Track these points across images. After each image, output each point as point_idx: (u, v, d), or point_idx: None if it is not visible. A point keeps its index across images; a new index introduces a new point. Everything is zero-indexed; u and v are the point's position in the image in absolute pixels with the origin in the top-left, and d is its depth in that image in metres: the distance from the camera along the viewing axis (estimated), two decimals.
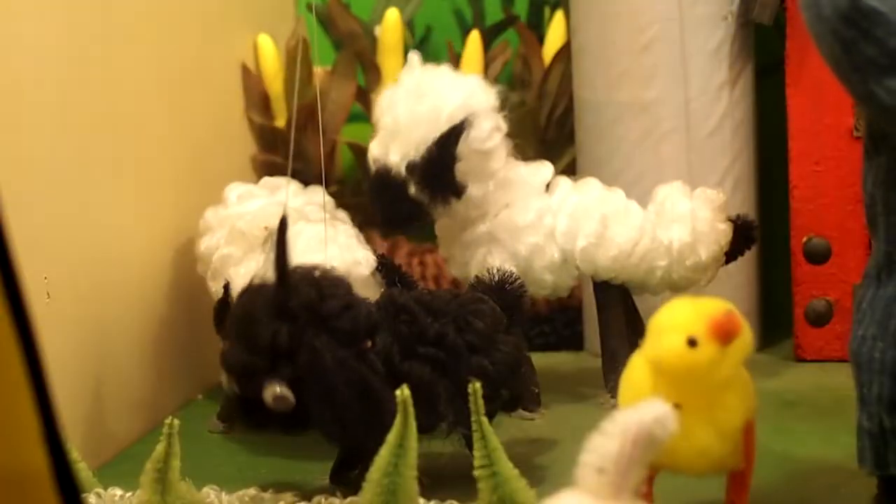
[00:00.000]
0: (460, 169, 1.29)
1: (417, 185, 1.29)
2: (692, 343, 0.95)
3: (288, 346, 1.06)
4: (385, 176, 1.30)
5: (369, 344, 1.09)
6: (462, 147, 1.28)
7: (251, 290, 1.09)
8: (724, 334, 0.95)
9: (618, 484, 0.76)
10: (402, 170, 1.29)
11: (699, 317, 0.95)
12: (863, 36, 0.92)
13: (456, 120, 1.29)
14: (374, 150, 1.32)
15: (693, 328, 0.95)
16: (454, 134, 1.28)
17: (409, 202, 1.30)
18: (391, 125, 1.30)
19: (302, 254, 1.27)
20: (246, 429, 1.10)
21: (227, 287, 1.23)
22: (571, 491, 0.78)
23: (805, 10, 0.96)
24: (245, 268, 1.28)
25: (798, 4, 0.98)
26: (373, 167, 1.32)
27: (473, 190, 1.31)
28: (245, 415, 1.09)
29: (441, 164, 1.28)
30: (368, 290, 1.26)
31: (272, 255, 1.07)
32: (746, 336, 0.97)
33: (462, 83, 1.32)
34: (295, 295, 1.07)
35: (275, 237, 1.07)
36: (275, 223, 1.08)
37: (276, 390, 1.06)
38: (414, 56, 1.34)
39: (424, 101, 1.30)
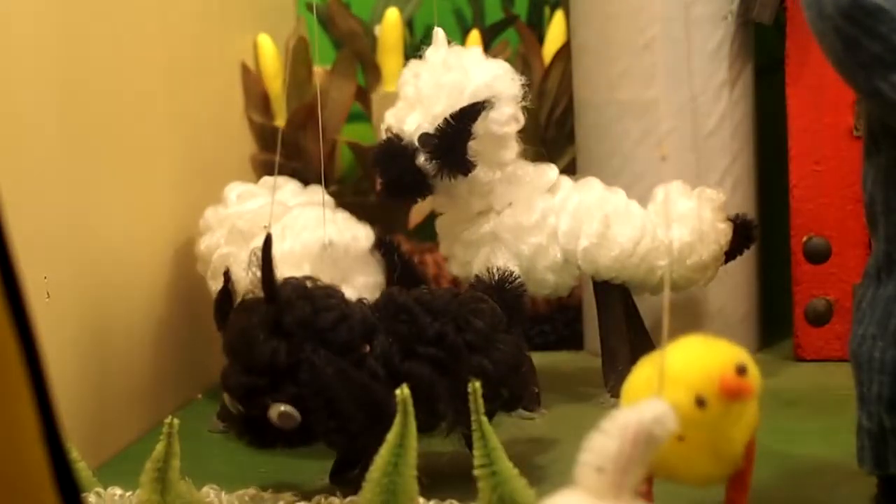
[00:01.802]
0: (472, 147, 1.28)
1: (427, 154, 1.28)
2: (700, 403, 0.93)
3: (287, 363, 1.06)
4: (395, 143, 1.29)
5: (367, 348, 1.09)
6: (479, 126, 1.28)
7: (244, 308, 1.09)
8: (735, 395, 0.93)
9: (617, 483, 0.76)
10: (415, 139, 1.28)
11: (710, 373, 0.93)
12: (866, 33, 0.92)
13: (479, 97, 1.28)
14: (389, 119, 1.31)
15: (702, 386, 0.93)
16: (474, 110, 1.27)
17: (415, 171, 1.29)
18: (412, 95, 1.29)
19: (301, 231, 1.27)
20: (253, 447, 1.10)
21: (227, 275, 1.23)
22: (571, 490, 0.78)
23: (807, 8, 0.96)
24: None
25: (799, 3, 0.98)
26: (384, 135, 1.31)
27: (481, 173, 1.30)
28: (251, 434, 1.08)
29: (455, 136, 1.27)
30: (368, 266, 1.26)
31: (259, 273, 1.07)
32: (757, 389, 0.95)
33: (490, 65, 1.32)
34: (289, 311, 1.07)
35: (260, 255, 1.07)
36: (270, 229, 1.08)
37: (280, 409, 1.06)
38: (439, 31, 1.33)
39: (450, 74, 1.29)
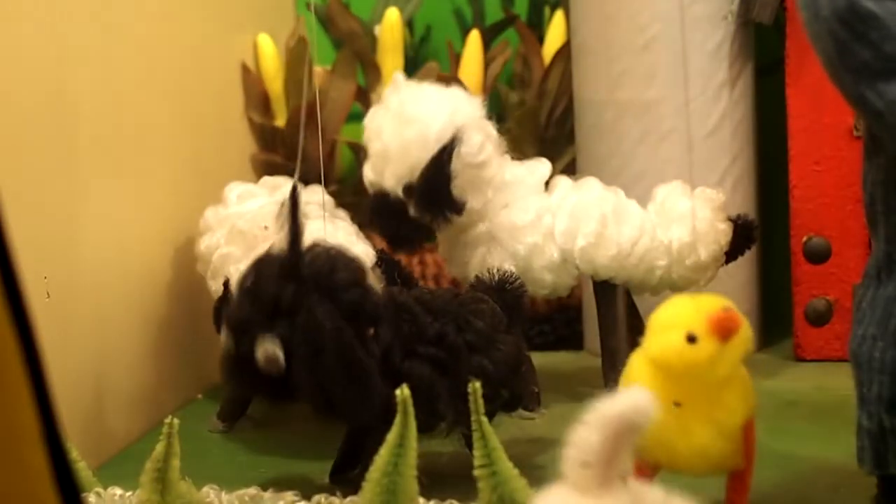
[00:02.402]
0: (457, 185, 1.30)
1: (416, 208, 1.30)
2: (691, 339, 0.95)
3: (289, 305, 1.07)
4: (384, 200, 1.31)
5: (371, 332, 1.10)
6: (455, 164, 1.29)
7: (266, 255, 1.10)
8: (724, 330, 0.95)
9: (603, 475, 0.76)
10: (399, 192, 1.30)
11: (698, 313, 0.96)
12: (858, 38, 0.93)
13: (444, 139, 1.29)
14: (370, 175, 1.32)
15: (692, 325, 0.95)
16: (445, 154, 1.28)
17: (412, 223, 1.31)
18: (381, 151, 1.31)
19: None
20: (234, 389, 1.11)
21: (226, 284, 1.23)
22: (558, 486, 0.78)
23: (803, 8, 0.96)
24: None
25: (797, 3, 0.98)
26: (370, 190, 1.33)
27: (473, 202, 1.32)
28: (236, 374, 1.09)
29: (437, 185, 1.29)
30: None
31: (285, 224, 1.09)
32: (746, 332, 0.97)
33: (445, 99, 1.32)
34: (309, 263, 1.08)
35: (287, 205, 1.08)
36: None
37: (267, 349, 1.06)
38: (398, 76, 1.34)
39: (411, 125, 1.30)
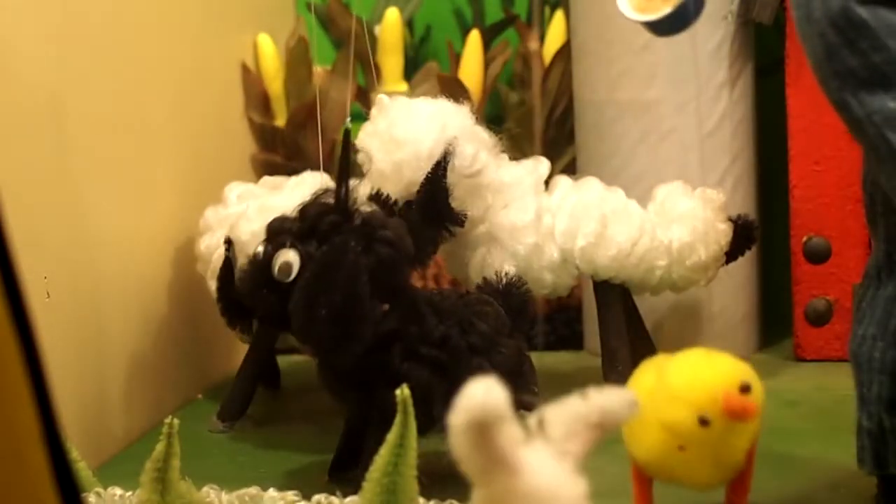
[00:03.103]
0: (456, 197, 1.29)
1: (419, 226, 1.29)
2: (704, 422, 0.93)
3: (326, 229, 1.10)
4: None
5: (385, 307, 1.11)
6: (451, 177, 1.29)
7: (327, 189, 1.14)
8: (739, 416, 0.93)
9: (560, 447, 0.77)
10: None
11: (714, 392, 0.93)
12: (847, 45, 0.93)
13: (436, 155, 1.29)
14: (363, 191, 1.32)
15: (706, 406, 0.93)
16: (439, 170, 1.28)
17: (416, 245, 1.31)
18: (376, 174, 1.31)
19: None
20: (240, 298, 1.13)
21: (229, 243, 1.23)
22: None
23: (795, 9, 0.96)
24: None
25: (790, 3, 0.98)
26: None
27: (474, 210, 1.32)
28: (242, 285, 1.12)
29: (436, 203, 1.28)
30: None
31: (336, 169, 1.14)
32: (760, 406, 0.95)
33: (433, 114, 1.32)
34: (362, 214, 1.12)
35: (340, 148, 1.11)
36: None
37: (289, 256, 1.09)
38: (383, 97, 1.34)
39: (402, 147, 1.30)
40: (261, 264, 1.10)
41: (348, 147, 1.12)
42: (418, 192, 1.27)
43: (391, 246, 1.10)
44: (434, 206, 1.28)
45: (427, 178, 1.28)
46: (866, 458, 1.02)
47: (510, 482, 0.73)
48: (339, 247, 1.07)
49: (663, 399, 0.95)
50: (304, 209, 1.10)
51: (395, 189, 1.29)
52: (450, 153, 1.29)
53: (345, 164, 1.11)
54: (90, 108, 1.26)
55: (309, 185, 1.34)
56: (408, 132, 1.30)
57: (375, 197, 1.23)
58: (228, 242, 1.23)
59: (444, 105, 1.33)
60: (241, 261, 1.17)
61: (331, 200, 1.11)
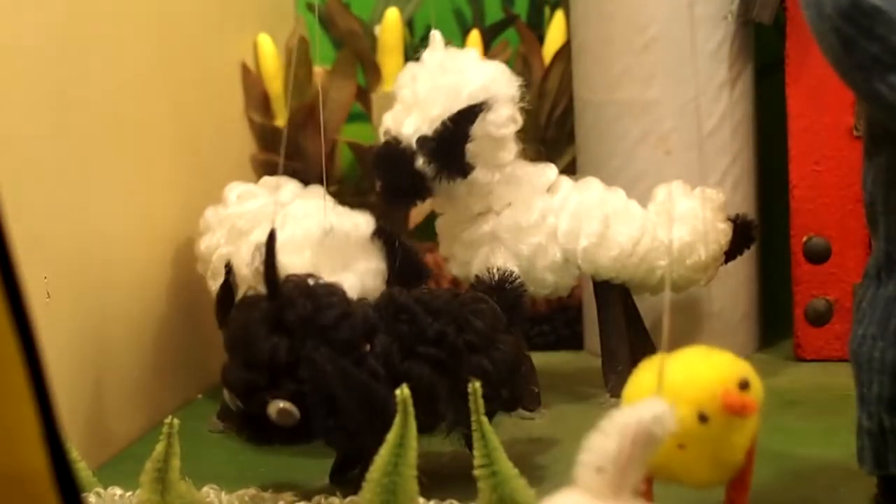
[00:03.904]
0: (471, 150, 1.29)
1: (425, 157, 1.28)
2: (703, 419, 0.93)
3: (287, 360, 1.06)
4: (393, 147, 1.29)
5: (368, 347, 1.09)
6: (477, 128, 1.28)
7: (246, 305, 1.09)
8: (738, 412, 0.93)
9: (617, 483, 0.76)
10: (413, 142, 1.29)
11: (712, 388, 0.92)
12: (864, 34, 0.92)
13: (476, 100, 1.28)
14: (387, 122, 1.31)
15: (704, 402, 0.92)
16: (472, 112, 1.27)
17: (413, 175, 1.29)
18: (409, 98, 1.30)
19: (303, 218, 1.27)
20: (251, 443, 1.10)
21: (228, 267, 1.22)
22: (570, 490, 0.78)
23: (806, 8, 0.96)
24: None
25: (799, 3, 0.98)
26: (382, 138, 1.31)
27: (479, 175, 1.31)
28: (250, 430, 1.09)
29: (453, 138, 1.27)
30: (369, 252, 1.26)
31: (261, 269, 1.07)
32: (759, 403, 0.95)
33: (487, 67, 1.32)
34: (290, 308, 1.07)
35: (263, 250, 1.07)
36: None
37: (279, 406, 1.06)
38: (436, 34, 1.33)
39: (447, 76, 1.29)
40: (252, 419, 1.08)
41: (272, 249, 1.07)
42: (441, 123, 1.26)
43: (340, 319, 1.08)
44: (449, 142, 1.27)
45: (455, 114, 1.27)
46: (866, 458, 1.02)
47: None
48: (317, 372, 1.05)
49: (662, 397, 0.95)
50: (250, 355, 1.06)
51: (418, 120, 1.28)
52: (488, 105, 1.28)
53: (271, 267, 1.07)
54: (89, 108, 1.26)
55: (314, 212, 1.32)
56: (460, 66, 1.30)
57: (388, 137, 1.23)
58: (228, 268, 1.22)
59: (501, 66, 1.33)
60: (242, 288, 1.16)
61: (260, 324, 1.06)
